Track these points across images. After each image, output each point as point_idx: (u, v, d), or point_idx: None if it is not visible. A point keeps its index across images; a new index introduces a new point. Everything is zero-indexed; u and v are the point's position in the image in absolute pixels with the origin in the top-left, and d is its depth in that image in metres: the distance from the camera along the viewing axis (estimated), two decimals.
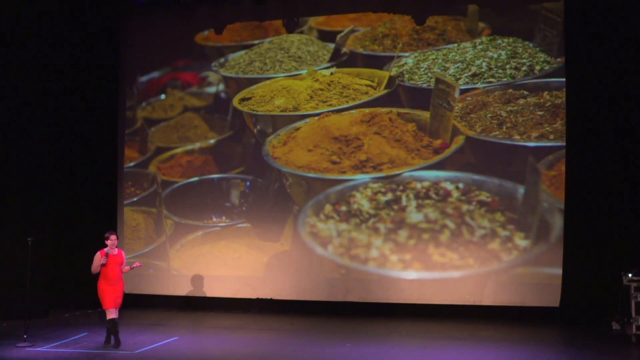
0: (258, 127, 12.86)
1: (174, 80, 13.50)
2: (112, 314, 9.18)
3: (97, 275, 9.28)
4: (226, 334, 10.45)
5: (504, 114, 11.67)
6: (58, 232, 12.54)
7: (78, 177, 13.11)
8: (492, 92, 11.80)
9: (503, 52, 11.86)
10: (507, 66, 11.79)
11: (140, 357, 8.72)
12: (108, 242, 9.28)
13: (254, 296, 12.54)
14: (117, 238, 9.40)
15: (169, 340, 9.75)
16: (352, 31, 12.65)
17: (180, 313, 12.36)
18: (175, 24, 13.28)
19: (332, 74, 12.58)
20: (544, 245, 11.22)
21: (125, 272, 9.49)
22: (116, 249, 9.35)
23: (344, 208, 12.08)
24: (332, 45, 12.69)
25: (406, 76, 12.22)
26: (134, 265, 9.53)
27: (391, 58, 12.34)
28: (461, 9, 12.18)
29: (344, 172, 12.16)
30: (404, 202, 11.84)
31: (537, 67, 11.70)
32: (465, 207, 11.59)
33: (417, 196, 11.79)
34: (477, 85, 11.87)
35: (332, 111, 12.41)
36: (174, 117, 13.39)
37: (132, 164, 13.45)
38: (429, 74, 12.08)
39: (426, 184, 11.80)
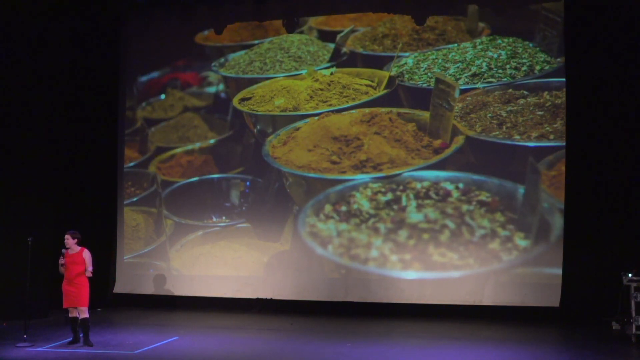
0: (258, 127, 12.86)
1: (174, 80, 13.50)
2: (72, 313, 9.28)
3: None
4: (226, 334, 10.44)
5: (504, 114, 11.67)
6: (58, 232, 12.50)
7: (78, 177, 13.09)
8: (492, 92, 11.80)
9: (503, 52, 11.85)
10: (507, 66, 11.79)
11: (140, 357, 8.72)
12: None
13: (254, 296, 12.53)
14: (74, 238, 9.35)
15: (169, 340, 9.74)
16: (352, 31, 12.64)
17: (180, 313, 12.35)
18: (175, 24, 13.25)
19: (332, 74, 12.58)
20: (544, 245, 11.22)
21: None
22: (78, 248, 9.36)
23: (344, 208, 12.07)
24: (332, 45, 12.69)
25: (406, 76, 12.21)
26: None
27: (391, 58, 12.34)
28: (461, 9, 12.18)
29: (344, 172, 12.15)
30: (404, 202, 11.83)
31: (537, 67, 11.69)
32: (465, 207, 11.59)
33: (417, 196, 11.79)
34: (477, 85, 11.87)
35: (332, 111, 12.40)
36: (174, 117, 13.39)
37: (132, 164, 13.45)
38: (429, 74, 12.08)
39: (426, 184, 11.79)
